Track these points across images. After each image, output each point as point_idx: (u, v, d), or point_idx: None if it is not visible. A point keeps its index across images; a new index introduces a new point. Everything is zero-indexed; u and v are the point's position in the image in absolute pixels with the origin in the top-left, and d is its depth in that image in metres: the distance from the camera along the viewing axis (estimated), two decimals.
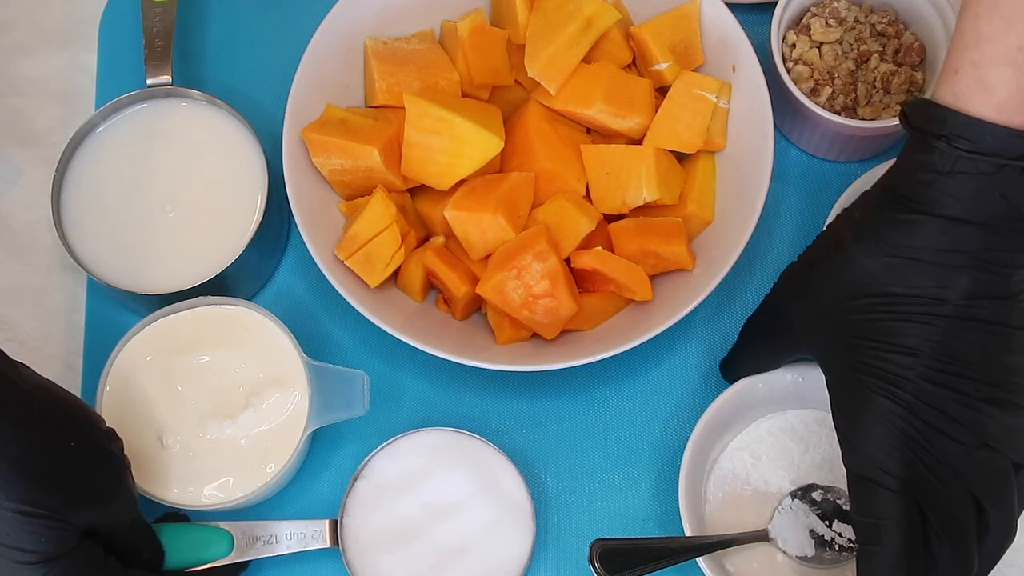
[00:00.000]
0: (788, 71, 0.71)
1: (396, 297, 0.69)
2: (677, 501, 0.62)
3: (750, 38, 0.69)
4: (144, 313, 0.65)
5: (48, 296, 0.73)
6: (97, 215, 0.69)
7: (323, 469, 0.68)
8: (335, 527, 0.64)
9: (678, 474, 0.63)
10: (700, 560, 0.62)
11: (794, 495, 0.65)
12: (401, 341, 0.64)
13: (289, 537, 0.64)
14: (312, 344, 0.67)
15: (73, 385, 0.70)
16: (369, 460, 0.65)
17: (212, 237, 0.69)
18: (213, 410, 0.64)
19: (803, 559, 0.63)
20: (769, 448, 0.66)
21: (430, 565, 0.63)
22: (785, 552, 0.64)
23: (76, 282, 0.73)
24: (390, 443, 0.65)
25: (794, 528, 0.64)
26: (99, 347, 0.70)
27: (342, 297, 0.65)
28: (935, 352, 0.52)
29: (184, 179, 0.70)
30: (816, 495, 0.64)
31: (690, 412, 0.68)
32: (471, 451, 0.65)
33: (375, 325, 0.65)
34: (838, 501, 0.64)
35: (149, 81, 0.71)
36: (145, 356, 0.65)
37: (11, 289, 0.73)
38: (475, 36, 0.69)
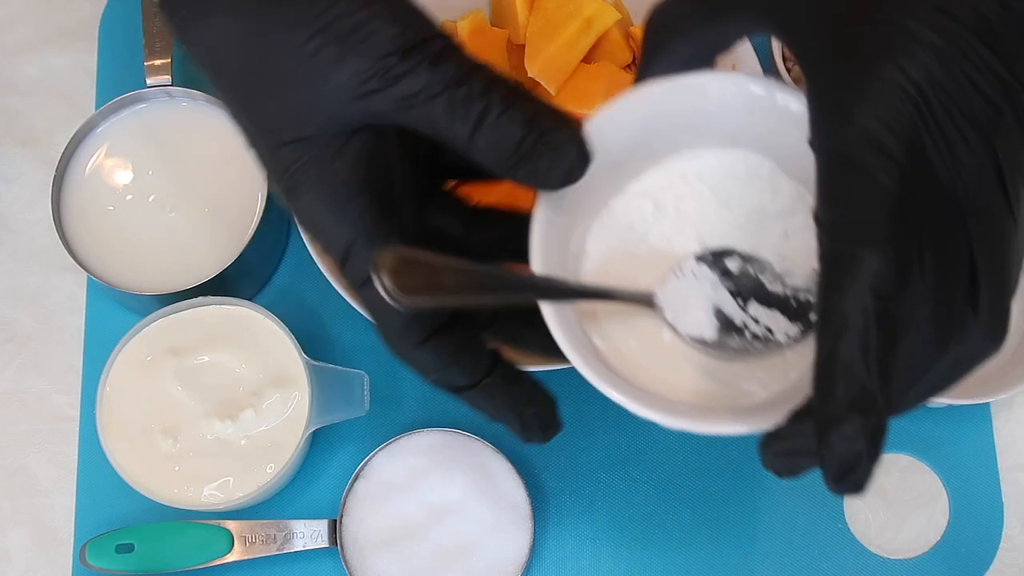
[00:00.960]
0: (788, 71, 0.71)
1: None
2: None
3: (750, 38, 0.69)
4: (144, 313, 0.65)
5: (48, 296, 0.73)
6: (97, 215, 0.69)
7: (323, 469, 0.68)
8: (334, 527, 0.64)
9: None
10: (547, 311, 0.44)
11: (701, 258, 0.48)
12: None
13: (288, 537, 0.64)
14: (312, 344, 0.67)
15: (73, 385, 0.71)
16: (369, 460, 0.65)
17: (212, 237, 0.69)
18: (213, 410, 0.64)
19: (699, 342, 0.47)
20: (680, 198, 0.49)
21: (429, 565, 0.63)
22: (675, 329, 0.47)
23: (76, 282, 0.73)
24: (390, 443, 0.65)
25: (693, 301, 0.48)
26: (99, 347, 0.70)
27: (342, 297, 0.65)
28: (972, 24, 0.37)
29: (184, 179, 0.70)
30: (731, 264, 0.48)
31: None
32: (470, 452, 0.65)
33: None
34: (761, 276, 0.48)
35: (149, 81, 0.71)
36: (145, 356, 0.65)
37: (11, 289, 0.73)
38: (475, 36, 0.69)
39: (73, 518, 0.68)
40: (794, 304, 0.48)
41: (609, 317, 0.48)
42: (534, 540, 0.64)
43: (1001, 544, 0.67)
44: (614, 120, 0.46)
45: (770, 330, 0.48)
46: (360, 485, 0.65)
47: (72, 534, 0.68)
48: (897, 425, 0.69)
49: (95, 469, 0.68)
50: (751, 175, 0.49)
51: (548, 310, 0.44)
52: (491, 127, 0.42)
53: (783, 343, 0.47)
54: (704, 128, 0.48)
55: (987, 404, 0.69)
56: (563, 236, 0.47)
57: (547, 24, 0.68)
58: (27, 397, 0.71)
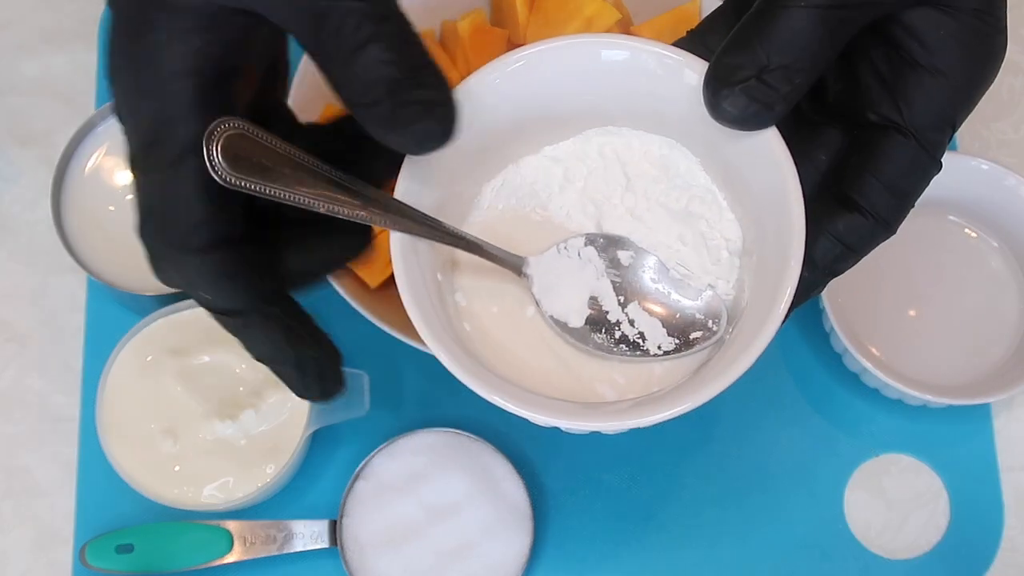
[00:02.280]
0: None
1: (396, 297, 0.68)
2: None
3: None
4: (144, 313, 0.65)
5: (48, 296, 0.73)
6: (97, 215, 0.69)
7: (323, 469, 0.68)
8: (334, 527, 0.64)
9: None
10: (395, 240, 0.41)
11: (592, 241, 0.44)
12: (401, 341, 0.64)
13: (288, 537, 0.64)
14: None
15: (73, 385, 0.71)
16: (369, 460, 0.65)
17: None
18: (213, 410, 0.64)
19: (560, 325, 0.44)
20: (591, 173, 0.46)
21: (428, 566, 0.63)
22: (538, 304, 0.44)
23: (76, 282, 0.73)
24: (390, 443, 0.65)
25: (569, 282, 0.44)
26: (99, 347, 0.70)
27: (342, 297, 0.65)
28: None
29: None
30: (623, 256, 0.44)
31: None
32: (471, 452, 0.65)
33: (375, 325, 0.65)
34: (651, 278, 0.44)
35: None
36: (145, 356, 0.65)
37: (11, 289, 0.73)
38: (475, 36, 0.69)
39: (73, 518, 0.68)
40: (677, 317, 0.44)
41: (479, 275, 0.44)
42: (534, 540, 0.64)
43: (1001, 544, 0.67)
44: (544, 66, 0.42)
45: (643, 336, 0.44)
46: (360, 485, 0.65)
47: (72, 534, 0.68)
48: (897, 425, 0.70)
49: (95, 469, 0.68)
50: (667, 166, 0.45)
51: (396, 240, 0.40)
52: (371, 56, 0.36)
53: (652, 354, 0.44)
54: (636, 108, 0.44)
55: (987, 404, 0.69)
56: (452, 173, 0.42)
57: (547, 24, 0.68)
58: (27, 397, 0.71)
